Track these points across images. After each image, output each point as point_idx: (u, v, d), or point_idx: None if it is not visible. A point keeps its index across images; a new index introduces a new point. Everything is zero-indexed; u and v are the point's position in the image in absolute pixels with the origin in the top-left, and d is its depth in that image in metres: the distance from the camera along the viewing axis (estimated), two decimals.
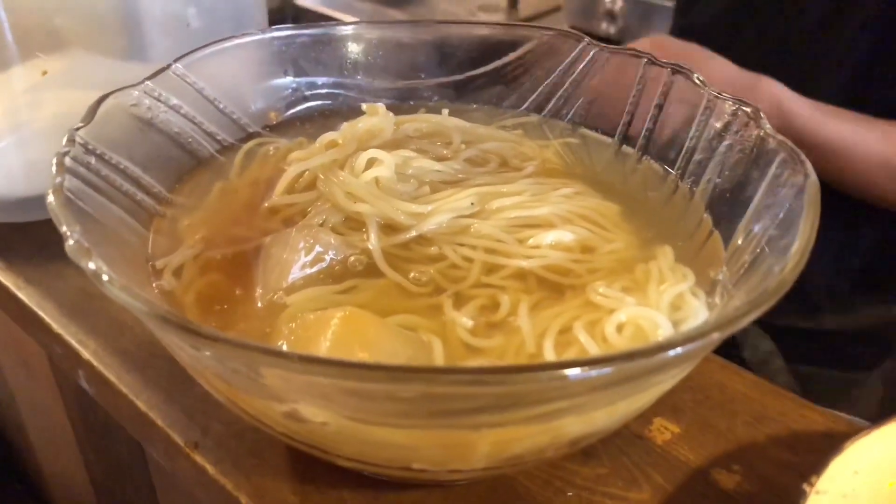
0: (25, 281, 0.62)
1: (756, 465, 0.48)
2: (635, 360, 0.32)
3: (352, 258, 0.48)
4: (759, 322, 0.97)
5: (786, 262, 0.38)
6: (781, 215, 0.43)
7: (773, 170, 0.46)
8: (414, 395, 0.32)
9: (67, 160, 0.43)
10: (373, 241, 0.48)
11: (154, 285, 0.46)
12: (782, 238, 0.42)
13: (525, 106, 0.64)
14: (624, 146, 0.59)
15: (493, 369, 0.35)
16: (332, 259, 0.47)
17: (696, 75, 0.55)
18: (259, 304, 0.45)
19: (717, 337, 0.34)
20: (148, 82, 0.53)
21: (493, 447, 0.38)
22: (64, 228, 0.37)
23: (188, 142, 0.56)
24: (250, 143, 0.59)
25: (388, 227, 0.49)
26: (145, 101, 0.53)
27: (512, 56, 0.63)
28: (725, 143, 0.51)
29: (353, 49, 0.64)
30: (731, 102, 0.51)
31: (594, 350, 0.41)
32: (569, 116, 0.62)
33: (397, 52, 0.64)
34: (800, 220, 0.40)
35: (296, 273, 0.46)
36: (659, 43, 0.94)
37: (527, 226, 0.50)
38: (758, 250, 0.44)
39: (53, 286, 0.61)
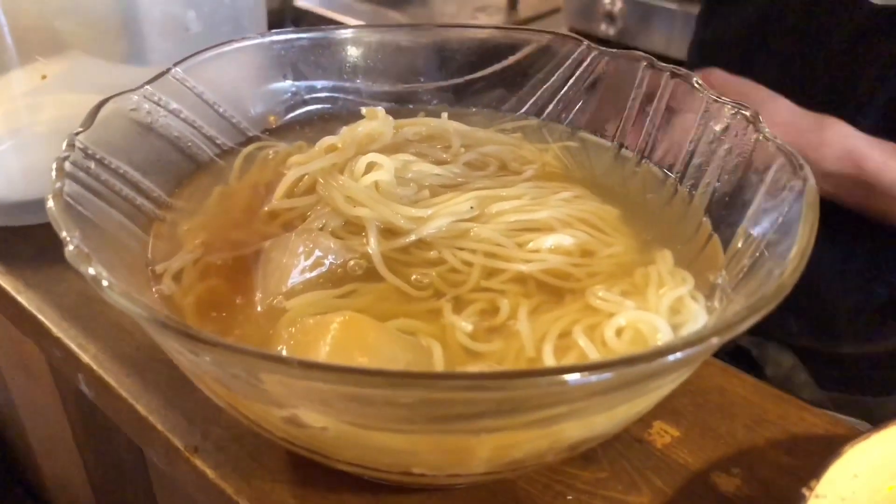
0: (25, 285, 0.62)
1: (756, 469, 0.48)
2: (635, 365, 0.32)
3: (351, 262, 0.48)
4: (779, 339, 0.96)
5: (785, 266, 0.38)
6: (780, 219, 0.43)
7: (771, 174, 0.46)
8: (414, 401, 0.32)
9: (67, 165, 0.43)
10: (372, 246, 0.48)
11: (154, 290, 0.46)
12: (781, 242, 0.42)
13: (524, 109, 0.64)
14: (623, 150, 0.59)
15: (492, 375, 0.35)
16: (331, 263, 0.47)
17: (695, 78, 0.55)
18: (259, 309, 0.45)
19: (716, 341, 0.34)
20: (147, 86, 0.53)
21: (493, 452, 0.38)
22: (64, 234, 0.38)
23: (188, 146, 0.56)
24: (250, 147, 0.59)
25: (388, 231, 0.49)
26: (145, 106, 0.53)
27: (511, 59, 0.63)
28: (725, 146, 0.51)
29: (353, 53, 0.64)
30: (730, 106, 0.51)
31: (594, 354, 0.41)
32: (568, 120, 0.62)
33: (396, 56, 0.64)
34: (799, 225, 0.40)
35: (295, 277, 0.46)
36: (713, 78, 0.87)
37: (526, 229, 0.50)
38: (757, 254, 0.44)
39: (53, 290, 0.61)
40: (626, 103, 0.58)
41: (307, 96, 0.64)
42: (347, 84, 0.64)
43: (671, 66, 0.56)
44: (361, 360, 0.39)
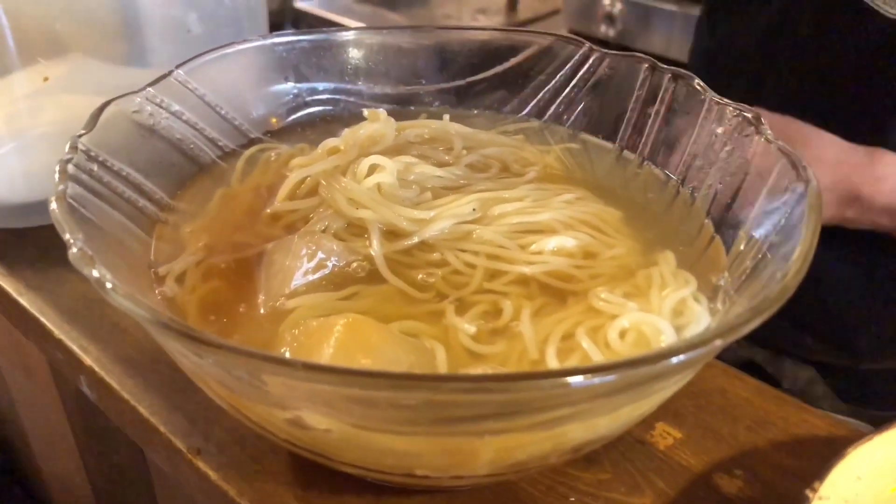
0: (26, 286, 0.62)
1: (758, 471, 0.48)
2: (638, 368, 0.32)
3: (354, 264, 0.48)
4: (795, 355, 0.95)
5: (788, 268, 0.38)
6: (783, 221, 0.44)
7: (773, 176, 0.46)
8: (417, 403, 0.32)
9: (70, 167, 0.43)
10: (375, 248, 0.48)
11: (157, 292, 0.46)
12: (784, 244, 0.42)
13: (526, 111, 0.64)
14: (625, 151, 0.59)
15: (496, 377, 0.35)
16: (334, 265, 0.47)
17: (696, 81, 0.55)
18: (262, 311, 0.45)
19: (719, 344, 0.34)
20: (150, 89, 0.53)
21: (497, 454, 0.38)
22: (67, 236, 0.38)
23: (190, 148, 0.56)
24: (252, 149, 0.59)
25: (391, 234, 0.49)
26: (147, 108, 0.53)
27: (513, 61, 0.63)
28: (727, 148, 0.51)
29: (354, 55, 0.64)
30: (732, 108, 0.51)
31: (597, 356, 0.41)
32: (570, 122, 0.62)
33: (398, 58, 0.64)
34: (801, 227, 0.40)
35: (298, 279, 0.46)
36: (788, 124, 0.81)
37: (529, 231, 0.50)
38: (759, 256, 0.44)
39: (55, 292, 0.61)
40: (627, 105, 0.59)
41: (309, 98, 0.64)
42: (349, 86, 0.64)
43: (673, 67, 0.56)
44: (365, 362, 0.39)
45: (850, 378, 0.95)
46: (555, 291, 0.47)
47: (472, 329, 0.43)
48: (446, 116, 0.62)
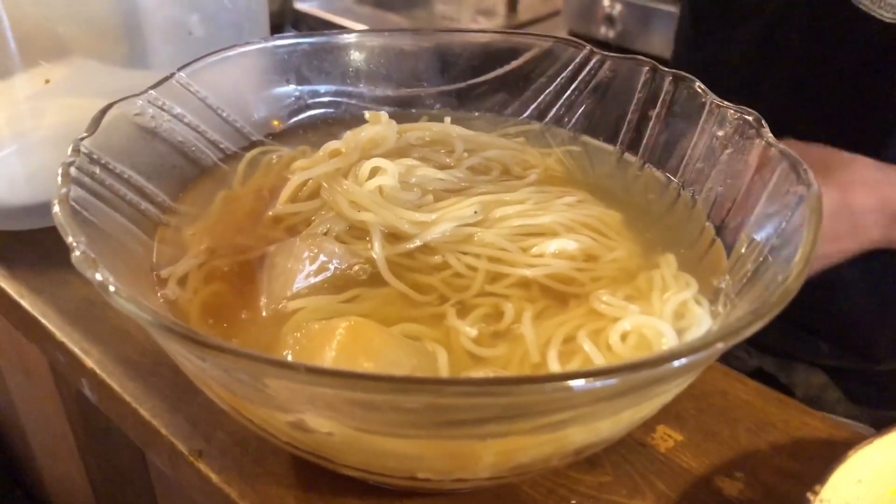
0: (28, 289, 0.62)
1: (759, 473, 0.48)
2: (640, 371, 0.33)
3: (356, 267, 0.48)
4: (807, 361, 0.94)
5: (789, 271, 0.38)
6: (784, 224, 0.44)
7: (775, 179, 0.46)
8: (420, 406, 0.33)
9: (73, 170, 0.43)
10: (377, 250, 0.48)
11: (159, 294, 0.46)
12: (785, 247, 0.42)
13: (527, 114, 0.64)
14: (626, 154, 0.59)
15: (498, 381, 0.35)
16: (336, 268, 0.47)
17: (697, 83, 0.55)
18: (264, 314, 0.45)
19: (720, 347, 0.34)
20: (152, 91, 0.53)
21: (498, 457, 0.38)
22: (70, 239, 0.38)
23: (192, 150, 0.56)
24: (253, 152, 0.59)
25: (392, 236, 0.49)
26: (149, 111, 0.53)
27: (514, 64, 0.63)
28: (728, 151, 0.52)
29: (356, 57, 0.64)
30: (733, 111, 0.51)
31: (599, 359, 0.42)
32: (570, 124, 0.63)
33: (399, 61, 0.64)
34: (802, 230, 0.40)
35: (300, 282, 0.46)
36: (823, 152, 0.78)
37: (530, 234, 0.50)
38: (760, 259, 0.44)
39: (56, 294, 0.61)
40: (628, 108, 0.59)
41: (310, 101, 0.64)
42: (350, 88, 0.64)
43: (674, 70, 0.56)
44: (367, 366, 0.39)
45: (864, 381, 0.95)
46: (556, 294, 0.47)
47: (473, 332, 0.44)
48: (447, 119, 0.62)
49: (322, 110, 0.64)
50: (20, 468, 1.20)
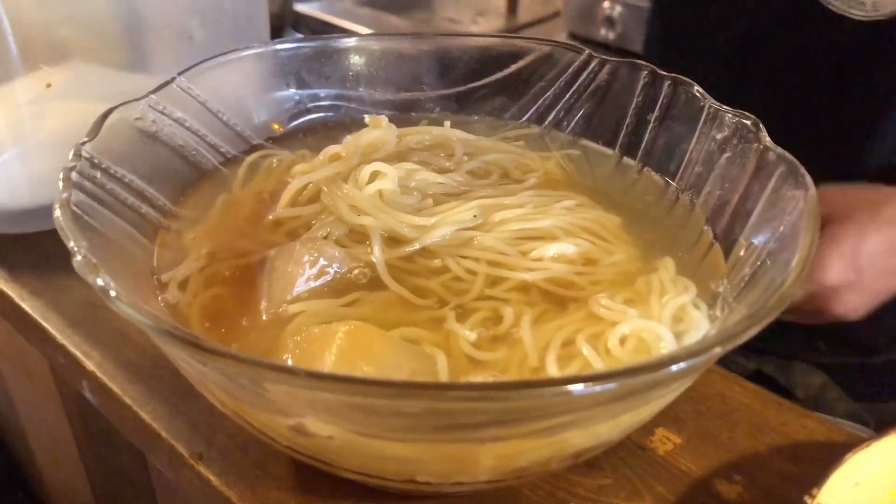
0: (29, 292, 0.62)
1: (757, 476, 0.49)
2: (638, 376, 0.33)
3: (356, 271, 0.48)
4: (805, 359, 0.94)
5: (786, 276, 0.38)
6: (782, 228, 0.44)
7: (773, 183, 0.47)
8: (419, 411, 0.33)
9: (74, 175, 0.44)
10: (376, 254, 0.48)
11: (159, 298, 0.46)
12: (783, 251, 0.42)
13: (526, 117, 0.64)
14: (625, 158, 0.59)
15: (498, 385, 0.35)
16: (336, 272, 0.47)
17: (696, 87, 0.55)
18: (264, 317, 0.45)
19: (718, 351, 0.34)
20: (152, 96, 0.53)
21: (498, 460, 0.38)
22: (72, 244, 0.38)
23: (192, 154, 0.56)
24: (254, 156, 0.59)
25: (392, 240, 0.50)
26: (150, 115, 0.53)
27: (513, 68, 0.64)
28: (726, 155, 0.52)
29: (356, 61, 0.64)
30: (731, 115, 0.52)
31: (597, 363, 0.42)
32: (570, 127, 0.63)
33: (399, 64, 0.65)
34: (800, 234, 0.41)
35: (300, 286, 0.46)
36: (829, 195, 0.74)
37: (529, 238, 0.50)
38: (758, 263, 0.44)
39: (57, 297, 0.62)
40: (627, 111, 0.59)
41: (310, 105, 0.64)
42: (350, 92, 0.64)
43: (673, 74, 0.57)
44: (366, 370, 0.39)
45: (863, 376, 0.95)
46: (555, 298, 0.47)
47: (472, 336, 0.44)
48: (447, 123, 0.62)
49: (322, 114, 0.64)
50: (21, 470, 1.20)
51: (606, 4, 1.97)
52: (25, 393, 0.96)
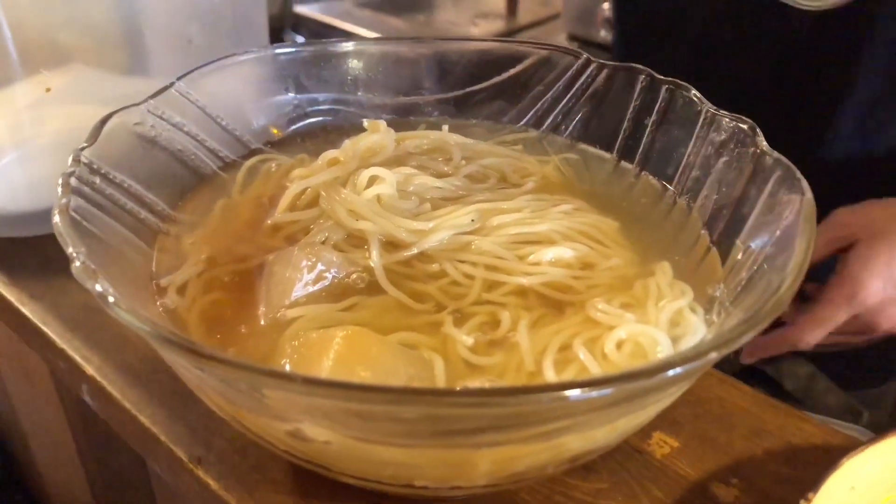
0: (29, 296, 0.62)
1: (754, 479, 0.49)
2: (634, 381, 0.33)
3: (354, 276, 0.48)
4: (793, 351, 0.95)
5: (782, 280, 0.38)
6: (778, 233, 0.44)
7: (769, 187, 0.47)
8: (416, 416, 0.33)
9: (73, 180, 0.44)
10: (374, 259, 0.48)
11: (158, 303, 0.46)
12: (779, 255, 0.42)
13: (524, 121, 0.64)
14: (622, 162, 0.60)
15: (495, 391, 0.35)
16: (334, 277, 0.48)
17: (693, 91, 0.55)
18: (262, 322, 0.46)
19: (715, 356, 0.34)
20: (151, 101, 0.53)
21: (495, 465, 0.38)
22: (70, 250, 0.38)
23: (191, 159, 0.56)
24: (252, 160, 0.60)
25: (390, 245, 0.50)
26: (149, 120, 0.53)
27: (511, 72, 0.64)
28: (723, 159, 0.52)
29: (354, 65, 0.64)
30: (728, 119, 0.52)
31: (594, 367, 0.42)
32: (568, 132, 0.63)
33: (397, 68, 0.65)
34: (796, 238, 0.41)
35: (298, 291, 0.47)
36: (841, 218, 0.77)
37: (527, 242, 0.50)
38: (755, 267, 0.44)
39: (57, 301, 0.62)
40: (625, 115, 0.59)
41: (309, 109, 0.64)
42: (349, 96, 0.65)
43: (670, 79, 0.57)
44: (364, 375, 0.39)
45: (848, 363, 0.94)
46: (553, 302, 0.47)
47: (470, 340, 0.44)
48: (445, 126, 0.62)
49: (321, 118, 0.65)
50: (21, 473, 1.20)
51: (606, 6, 1.97)
52: (25, 396, 0.96)
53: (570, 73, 0.62)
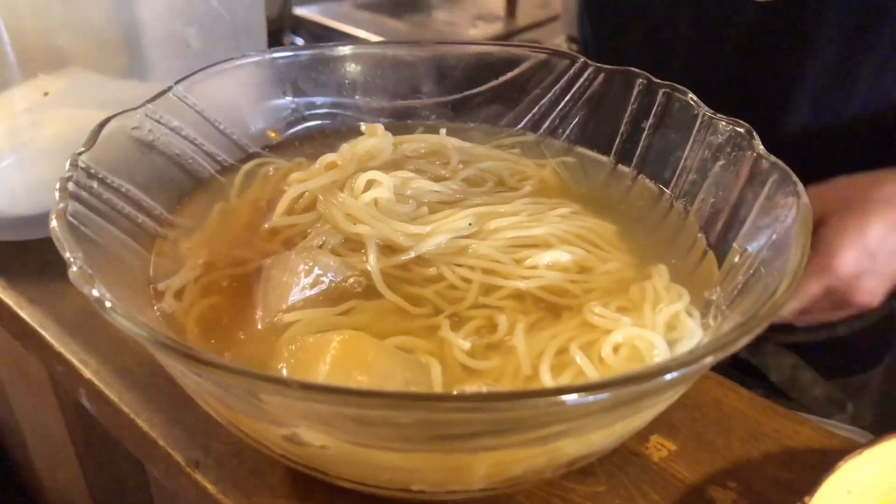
0: (27, 300, 0.62)
1: (752, 483, 0.49)
2: (631, 385, 0.33)
3: (351, 279, 0.48)
4: (775, 341, 0.95)
5: (779, 284, 0.38)
6: (775, 236, 0.44)
7: (766, 190, 0.47)
8: (413, 421, 0.33)
9: (70, 185, 0.44)
10: (372, 263, 0.48)
11: (155, 308, 0.46)
12: (776, 259, 0.42)
13: (522, 125, 0.65)
14: (619, 165, 0.60)
15: (491, 396, 0.35)
16: (331, 281, 0.48)
17: (690, 95, 0.55)
18: (259, 326, 0.46)
19: (710, 360, 0.34)
20: (149, 105, 0.53)
21: (492, 469, 0.39)
22: (68, 255, 0.38)
23: (189, 163, 0.57)
24: (250, 164, 0.60)
25: (387, 248, 0.50)
26: (147, 124, 0.53)
27: (509, 75, 0.64)
28: (720, 162, 0.52)
29: (352, 69, 0.64)
30: (725, 122, 0.52)
31: (591, 371, 0.42)
32: (565, 135, 0.63)
33: (395, 72, 0.65)
34: (792, 242, 0.41)
35: (296, 295, 0.47)
36: (823, 193, 0.76)
37: (524, 246, 0.50)
38: (751, 271, 0.44)
39: (55, 305, 0.62)
40: (622, 119, 0.59)
41: (307, 112, 0.64)
42: (347, 100, 0.65)
43: (667, 82, 0.57)
44: (361, 379, 0.39)
45: (830, 351, 0.95)
46: (550, 306, 0.47)
47: (466, 344, 0.44)
48: (443, 130, 0.63)
49: (318, 122, 0.65)
50: (20, 476, 1.20)
51: None
52: (24, 399, 0.96)
53: (567, 76, 0.62)
